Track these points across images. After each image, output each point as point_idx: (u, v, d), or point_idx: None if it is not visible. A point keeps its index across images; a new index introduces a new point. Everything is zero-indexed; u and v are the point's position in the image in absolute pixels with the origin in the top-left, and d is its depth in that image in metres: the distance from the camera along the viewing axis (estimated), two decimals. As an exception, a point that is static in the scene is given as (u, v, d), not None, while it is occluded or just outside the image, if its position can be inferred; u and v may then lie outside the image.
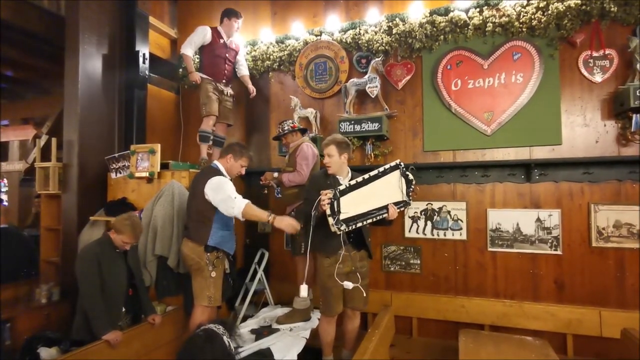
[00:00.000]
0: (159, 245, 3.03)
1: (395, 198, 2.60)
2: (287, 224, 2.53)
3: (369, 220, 2.52)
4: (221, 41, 3.59)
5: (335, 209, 2.37)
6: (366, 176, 2.51)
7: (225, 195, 2.54)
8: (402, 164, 2.61)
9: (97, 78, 3.69)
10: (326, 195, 2.34)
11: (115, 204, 3.42)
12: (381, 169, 2.55)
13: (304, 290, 2.51)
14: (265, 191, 3.49)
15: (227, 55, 3.64)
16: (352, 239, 2.61)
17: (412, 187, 2.63)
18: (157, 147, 3.37)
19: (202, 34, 3.51)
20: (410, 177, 2.62)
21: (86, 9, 3.61)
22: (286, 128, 3.26)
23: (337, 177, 2.62)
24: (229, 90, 3.68)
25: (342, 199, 2.40)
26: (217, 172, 2.69)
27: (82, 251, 2.65)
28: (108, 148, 3.72)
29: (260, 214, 2.53)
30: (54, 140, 3.74)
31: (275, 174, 3.28)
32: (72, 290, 3.03)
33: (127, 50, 3.93)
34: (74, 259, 2.75)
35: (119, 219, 2.63)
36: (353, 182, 2.48)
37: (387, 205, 2.54)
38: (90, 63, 3.63)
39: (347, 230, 2.42)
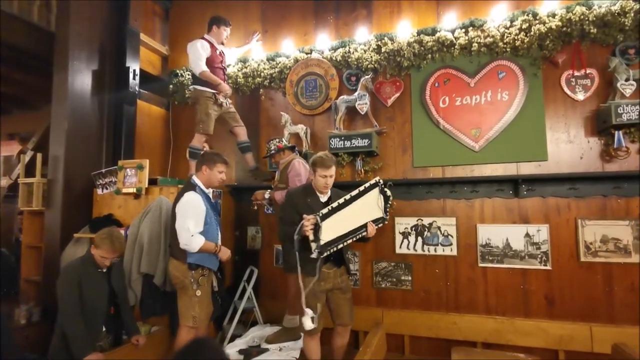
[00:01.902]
0: (145, 263, 2.95)
1: (374, 215, 2.60)
2: (227, 256, 2.76)
3: (349, 241, 2.51)
4: (217, 51, 3.54)
5: (318, 235, 2.36)
6: (347, 197, 2.50)
7: (184, 226, 2.53)
8: (381, 181, 2.62)
9: (86, 93, 3.66)
10: (309, 222, 2.33)
11: (100, 220, 3.35)
12: (361, 188, 2.56)
13: (307, 320, 2.38)
14: (255, 207, 3.46)
15: (222, 64, 3.60)
16: (333, 257, 2.58)
17: (390, 202, 2.64)
18: (146, 162, 3.34)
19: (204, 48, 3.39)
20: (388, 193, 2.64)
21: (77, 25, 3.61)
22: (272, 148, 3.27)
23: (318, 194, 2.60)
24: (227, 100, 3.57)
25: (323, 224, 2.38)
26: (192, 188, 2.66)
27: (63, 269, 2.58)
28: (95, 164, 3.66)
29: (210, 247, 2.64)
30: (39, 156, 3.68)
31: (267, 193, 3.25)
32: (53, 311, 2.92)
33: (118, 67, 3.93)
34: (56, 278, 2.66)
35: (99, 233, 2.58)
36: (335, 204, 2.46)
37: (366, 223, 2.54)
38: (80, 79, 3.61)
39: (326, 254, 2.41)
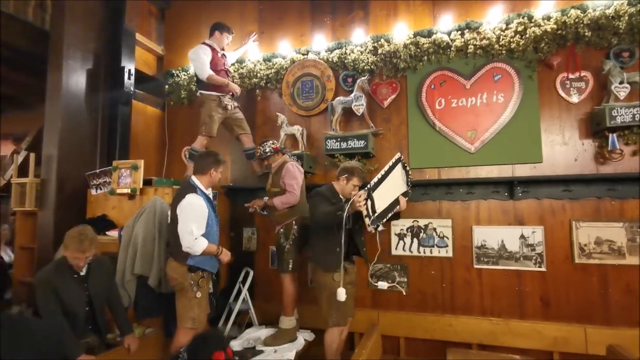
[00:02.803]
0: (139, 264, 2.92)
1: (402, 189, 2.82)
2: (228, 258, 2.77)
3: (389, 215, 2.67)
4: (219, 54, 3.56)
5: (369, 209, 2.44)
6: (382, 172, 2.63)
7: (187, 229, 2.50)
8: (402, 157, 2.82)
9: (80, 93, 3.63)
10: (361, 197, 2.40)
11: (94, 221, 3.32)
12: (390, 164, 2.71)
13: (341, 293, 2.50)
14: (251, 211, 3.42)
15: (225, 66, 3.61)
16: (350, 254, 2.77)
17: (410, 176, 2.91)
18: (141, 163, 3.31)
19: (206, 53, 3.41)
20: (408, 167, 2.89)
21: (72, 25, 3.59)
22: (267, 150, 3.19)
23: (341, 197, 2.77)
24: (233, 103, 3.59)
25: (374, 196, 2.48)
26: (192, 190, 2.62)
27: (37, 276, 2.46)
28: (89, 164, 3.64)
29: (212, 249, 2.64)
30: (32, 156, 3.65)
31: (265, 199, 3.19)
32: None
33: (113, 66, 3.91)
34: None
35: (68, 232, 2.44)
36: (375, 179, 2.57)
37: (398, 197, 2.75)
38: (74, 78, 3.59)
39: (379, 228, 2.56)
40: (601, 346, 2.64)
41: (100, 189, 3.47)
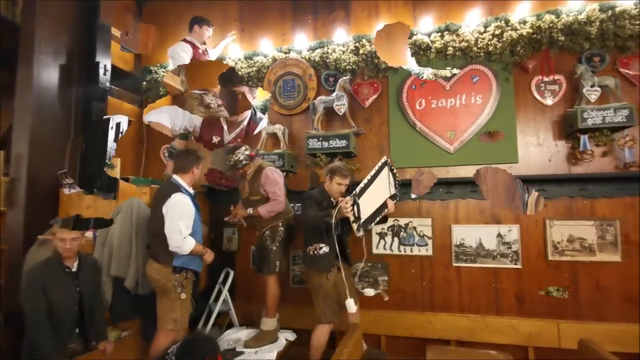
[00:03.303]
0: (115, 266, 2.84)
1: (389, 193, 2.85)
2: (212, 258, 2.77)
3: (378, 218, 2.72)
4: (200, 50, 3.48)
5: (356, 214, 2.50)
6: (369, 177, 2.67)
7: (176, 229, 2.46)
8: (388, 160, 2.87)
9: (52, 89, 3.50)
10: (347, 203, 2.46)
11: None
12: (376, 168, 2.74)
13: (351, 304, 2.60)
14: (233, 221, 3.33)
15: None
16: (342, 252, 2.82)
17: (397, 179, 2.93)
18: (117, 161, 3.22)
19: (185, 50, 3.31)
20: (395, 170, 2.93)
21: (44, 18, 3.45)
22: (243, 159, 2.96)
23: (331, 199, 2.83)
24: (217, 101, 3.41)
25: (360, 202, 2.53)
26: (176, 189, 2.58)
27: (26, 274, 2.40)
28: (62, 162, 3.51)
29: (200, 249, 2.63)
30: (1, 154, 3.48)
31: (249, 210, 3.00)
32: (17, 316, 2.76)
33: (87, 62, 3.78)
34: (18, 282, 2.53)
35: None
36: (362, 185, 2.61)
37: (386, 201, 2.80)
38: (46, 73, 3.45)
39: (366, 232, 2.61)
40: (573, 340, 2.73)
41: (74, 188, 3.35)
